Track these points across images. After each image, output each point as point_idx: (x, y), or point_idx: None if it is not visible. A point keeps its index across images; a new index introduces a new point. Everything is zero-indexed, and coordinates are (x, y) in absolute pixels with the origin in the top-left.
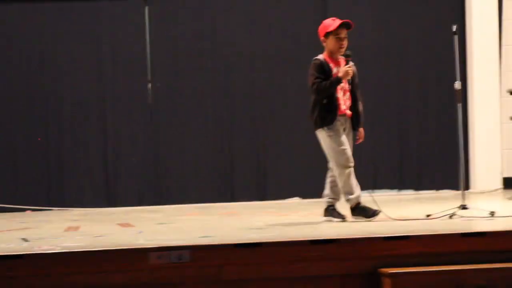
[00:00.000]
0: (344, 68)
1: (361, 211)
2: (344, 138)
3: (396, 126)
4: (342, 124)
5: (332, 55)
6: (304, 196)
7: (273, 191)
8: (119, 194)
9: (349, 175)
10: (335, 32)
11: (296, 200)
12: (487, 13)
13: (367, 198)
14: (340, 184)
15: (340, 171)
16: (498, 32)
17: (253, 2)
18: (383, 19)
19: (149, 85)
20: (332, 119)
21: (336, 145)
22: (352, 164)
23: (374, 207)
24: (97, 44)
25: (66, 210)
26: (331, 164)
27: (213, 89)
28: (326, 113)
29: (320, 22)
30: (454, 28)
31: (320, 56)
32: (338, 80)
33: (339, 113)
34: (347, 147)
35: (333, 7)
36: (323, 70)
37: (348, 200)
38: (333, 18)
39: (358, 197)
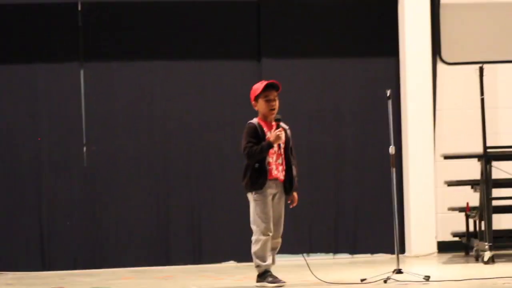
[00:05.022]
0: (274, 133)
1: (267, 277)
2: (269, 206)
3: (331, 190)
4: (273, 189)
5: (265, 118)
6: (239, 259)
7: (208, 254)
8: (54, 257)
9: (265, 242)
10: (263, 94)
11: (231, 263)
12: (421, 79)
13: (301, 262)
14: (254, 248)
15: (257, 237)
16: (432, 97)
17: (189, 67)
18: (318, 82)
19: (84, 148)
20: (262, 184)
21: (260, 211)
22: (270, 233)
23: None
24: (33, 106)
25: None
26: (252, 227)
27: (149, 152)
28: (257, 178)
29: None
30: (388, 93)
31: (254, 120)
32: (269, 145)
33: (270, 177)
34: (270, 216)
35: (268, 71)
36: (257, 134)
37: (258, 266)
38: (262, 81)
39: (268, 265)
